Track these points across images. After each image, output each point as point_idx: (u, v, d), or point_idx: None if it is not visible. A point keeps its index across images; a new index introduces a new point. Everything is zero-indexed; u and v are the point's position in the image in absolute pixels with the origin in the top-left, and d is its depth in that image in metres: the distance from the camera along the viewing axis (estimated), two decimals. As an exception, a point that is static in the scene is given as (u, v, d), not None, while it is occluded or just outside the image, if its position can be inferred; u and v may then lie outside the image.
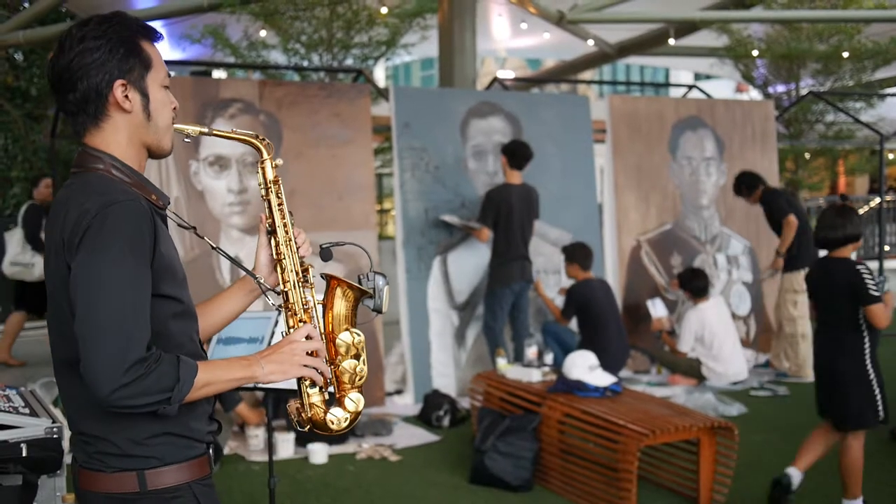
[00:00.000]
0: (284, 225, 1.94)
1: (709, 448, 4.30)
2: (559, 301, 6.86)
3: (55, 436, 2.67)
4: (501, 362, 5.53)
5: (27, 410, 2.80)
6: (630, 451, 4.07)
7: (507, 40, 15.50)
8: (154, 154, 1.83)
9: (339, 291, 1.93)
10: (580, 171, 7.49)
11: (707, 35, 13.03)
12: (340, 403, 1.89)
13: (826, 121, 13.98)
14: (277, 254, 1.94)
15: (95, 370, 1.58)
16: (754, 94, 16.39)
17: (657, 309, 7.23)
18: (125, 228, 1.63)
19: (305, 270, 1.94)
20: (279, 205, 1.96)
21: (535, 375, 5.08)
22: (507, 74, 19.61)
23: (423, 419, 5.97)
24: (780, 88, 14.28)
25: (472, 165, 6.98)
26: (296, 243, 1.94)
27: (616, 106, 7.73)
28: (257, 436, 5.30)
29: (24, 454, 2.58)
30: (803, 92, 13.21)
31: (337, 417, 1.87)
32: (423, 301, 6.63)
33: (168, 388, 1.61)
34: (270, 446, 3.57)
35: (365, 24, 11.32)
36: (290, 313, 1.89)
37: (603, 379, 4.74)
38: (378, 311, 1.97)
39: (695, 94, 9.50)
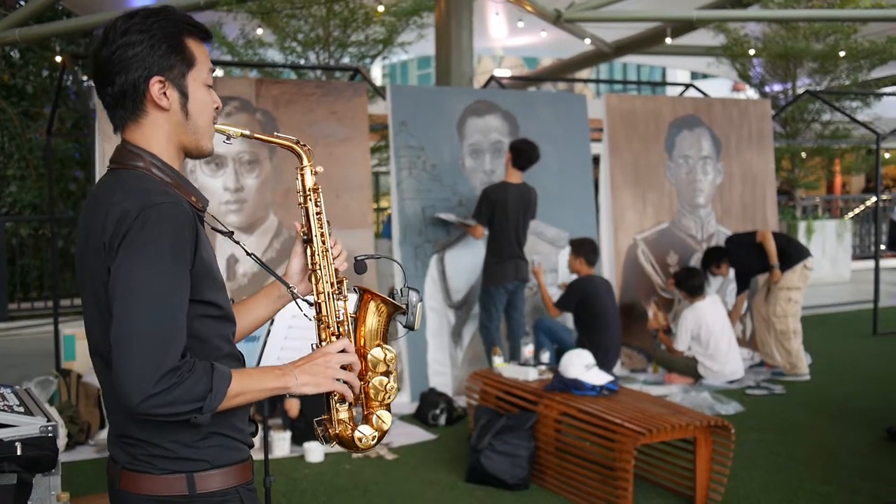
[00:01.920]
0: (322, 234, 1.88)
1: (705, 447, 4.30)
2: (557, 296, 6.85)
3: (50, 434, 2.66)
4: (498, 361, 5.52)
5: (22, 409, 2.79)
6: (626, 449, 4.07)
7: (503, 39, 15.51)
8: (192, 154, 1.78)
9: (372, 306, 1.87)
10: (577, 170, 7.48)
11: (704, 34, 13.04)
12: (368, 421, 1.85)
13: (822, 120, 14.01)
14: (312, 264, 1.88)
15: (127, 378, 1.54)
16: (751, 93, 16.40)
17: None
18: (165, 232, 1.58)
19: (340, 282, 1.88)
20: (317, 213, 1.89)
21: (531, 374, 5.07)
22: (503, 73, 19.62)
23: (420, 418, 5.96)
24: (777, 87, 14.30)
25: (469, 164, 6.98)
26: (332, 254, 1.88)
27: (613, 105, 7.72)
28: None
29: (18, 453, 2.57)
30: (800, 91, 13.22)
31: (365, 435, 1.83)
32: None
33: (200, 397, 1.57)
34: (266, 444, 3.56)
35: (362, 23, 11.32)
36: (322, 325, 1.85)
37: (599, 378, 4.73)
38: (410, 328, 1.92)
39: (691, 93, 9.50)
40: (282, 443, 5.21)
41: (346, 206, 6.47)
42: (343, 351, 1.79)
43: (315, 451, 5.09)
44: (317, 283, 1.87)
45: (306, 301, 1.91)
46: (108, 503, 1.78)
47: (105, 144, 5.69)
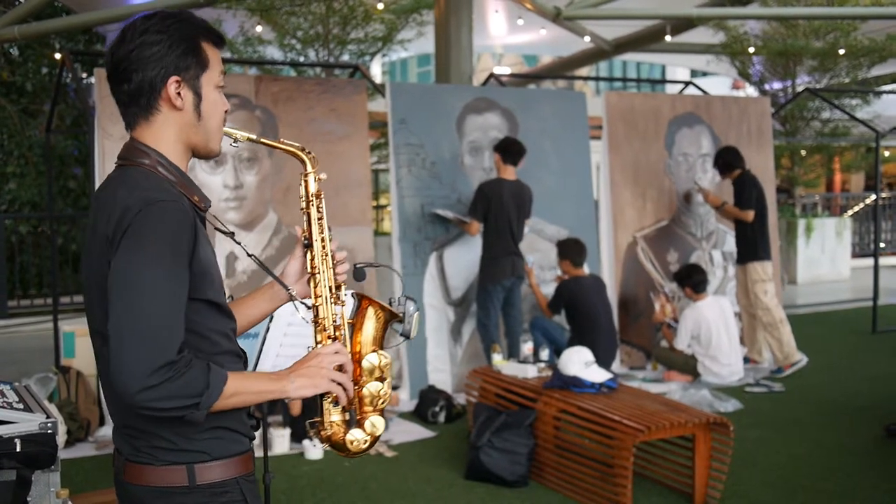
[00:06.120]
0: (322, 239, 1.92)
1: (704, 444, 4.31)
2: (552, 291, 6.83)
3: (49, 431, 2.66)
4: (497, 358, 5.52)
5: (21, 405, 2.79)
6: (625, 447, 4.07)
7: (503, 36, 15.49)
8: (200, 154, 1.84)
9: (370, 312, 1.91)
10: (576, 168, 7.48)
11: (704, 32, 13.03)
12: (360, 425, 1.87)
13: (822, 118, 14.00)
14: (312, 267, 1.92)
15: (123, 370, 1.56)
16: (751, 90, 16.39)
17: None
18: (165, 229, 1.62)
19: (338, 287, 1.92)
20: (319, 219, 1.94)
21: (530, 371, 5.08)
22: (503, 70, 19.60)
23: (419, 415, 5.96)
24: (777, 85, 14.30)
25: (469, 161, 6.98)
26: (332, 260, 1.92)
27: (612, 102, 7.72)
28: (253, 431, 5.29)
29: (18, 449, 2.57)
30: (799, 89, 13.21)
31: (356, 438, 1.86)
32: (419, 297, 6.62)
33: (196, 393, 1.60)
34: (265, 442, 3.57)
35: (361, 20, 11.32)
36: (319, 328, 1.88)
37: (599, 375, 4.74)
38: (406, 336, 1.95)
39: (691, 90, 9.50)
40: (281, 440, 5.21)
41: (345, 204, 6.47)
42: (337, 353, 1.82)
43: (314, 449, 5.09)
44: (315, 287, 1.90)
45: (304, 304, 1.94)
46: (107, 499, 1.80)
47: (104, 142, 5.68)
